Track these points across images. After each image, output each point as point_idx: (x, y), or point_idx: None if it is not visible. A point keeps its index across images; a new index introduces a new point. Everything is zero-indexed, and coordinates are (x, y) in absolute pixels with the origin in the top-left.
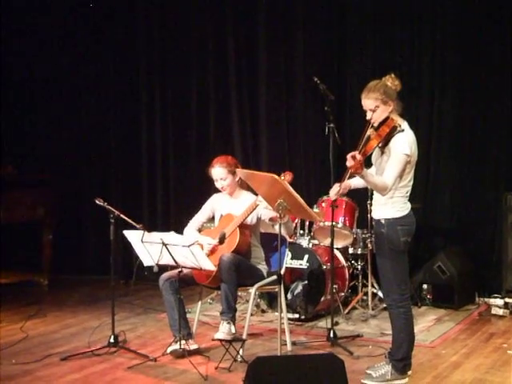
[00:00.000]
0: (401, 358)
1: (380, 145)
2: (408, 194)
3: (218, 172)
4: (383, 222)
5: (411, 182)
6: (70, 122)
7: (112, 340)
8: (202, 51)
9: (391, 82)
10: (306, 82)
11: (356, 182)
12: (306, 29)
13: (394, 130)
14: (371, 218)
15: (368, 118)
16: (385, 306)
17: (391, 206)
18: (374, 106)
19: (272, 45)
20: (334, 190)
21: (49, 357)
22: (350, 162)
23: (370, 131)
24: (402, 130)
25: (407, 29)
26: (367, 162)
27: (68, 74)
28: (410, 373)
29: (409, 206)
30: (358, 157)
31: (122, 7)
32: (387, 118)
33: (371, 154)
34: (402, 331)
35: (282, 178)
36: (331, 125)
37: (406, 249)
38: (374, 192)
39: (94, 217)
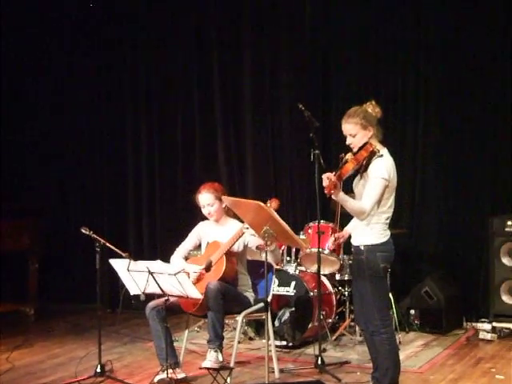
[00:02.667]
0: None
1: (361, 170)
2: (388, 221)
3: (205, 198)
4: (362, 248)
5: (391, 209)
6: (54, 152)
7: (99, 369)
8: (186, 77)
9: (372, 108)
10: (290, 108)
11: (352, 226)
12: (290, 55)
13: (372, 155)
14: None
15: (348, 142)
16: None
17: (370, 232)
18: (354, 130)
19: (257, 71)
20: (331, 241)
21: None
22: (324, 182)
23: (348, 155)
24: (381, 156)
25: (392, 55)
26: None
27: (53, 102)
28: None
29: (388, 233)
30: (333, 178)
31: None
32: (366, 143)
33: (351, 178)
34: (387, 357)
35: (268, 205)
36: (316, 151)
37: (385, 275)
38: (354, 219)
39: (79, 246)
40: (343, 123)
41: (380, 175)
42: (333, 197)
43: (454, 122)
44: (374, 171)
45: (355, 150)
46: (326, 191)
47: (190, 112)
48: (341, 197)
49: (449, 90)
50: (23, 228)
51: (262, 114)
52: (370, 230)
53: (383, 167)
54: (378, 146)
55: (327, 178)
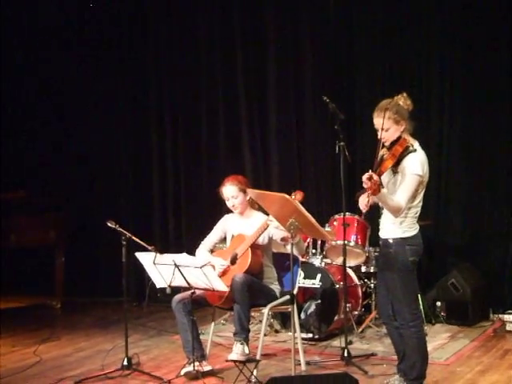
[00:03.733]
0: (415, 377)
1: (392, 165)
2: (417, 215)
3: (230, 190)
4: (391, 241)
5: (421, 203)
6: (80, 145)
7: (126, 363)
8: (210, 70)
9: (403, 101)
10: (315, 100)
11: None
12: (315, 48)
13: (406, 150)
14: None
15: (380, 137)
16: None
17: (399, 225)
18: (387, 125)
19: (282, 64)
20: (363, 202)
21: (62, 380)
22: (366, 184)
23: (382, 151)
24: (415, 150)
25: (417, 46)
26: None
27: (78, 96)
28: None
29: (417, 226)
30: (375, 177)
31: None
32: (399, 138)
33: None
34: (415, 351)
35: (293, 197)
36: (341, 143)
37: (414, 268)
38: (383, 211)
39: (106, 239)
40: (375, 117)
41: (415, 171)
42: (375, 196)
43: (480, 113)
44: (409, 167)
45: (387, 144)
46: (369, 192)
47: (215, 105)
48: (382, 194)
49: (475, 79)
50: (49, 222)
51: (286, 106)
52: (399, 223)
53: (418, 162)
54: (411, 140)
55: (368, 179)
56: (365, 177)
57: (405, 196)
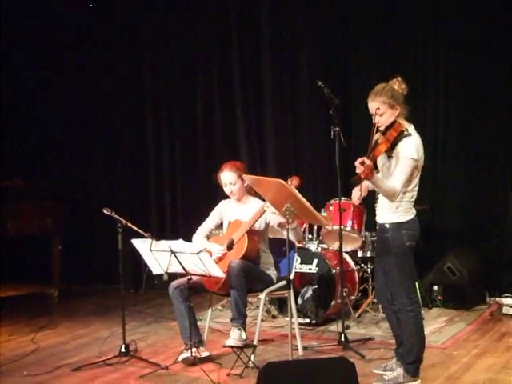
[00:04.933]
0: (412, 360)
1: (386, 149)
2: (413, 200)
3: (228, 176)
4: (388, 226)
5: (417, 187)
6: (78, 136)
7: (123, 349)
8: (206, 53)
9: (398, 85)
10: (310, 85)
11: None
12: (309, 33)
13: (401, 134)
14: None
15: (375, 121)
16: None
17: (395, 210)
18: (381, 109)
19: (276, 48)
20: (356, 195)
21: (60, 368)
22: (359, 169)
23: (377, 135)
24: (410, 134)
25: (411, 31)
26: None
27: (75, 87)
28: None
29: (414, 211)
30: (368, 162)
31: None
32: (394, 122)
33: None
34: (412, 335)
35: (289, 182)
36: (337, 128)
37: (411, 253)
38: (379, 196)
39: (102, 226)
40: (370, 101)
41: (410, 155)
42: (368, 180)
43: (475, 97)
44: (404, 151)
45: (382, 128)
46: (362, 176)
47: (210, 90)
48: (376, 178)
49: (470, 67)
50: (46, 210)
51: (281, 91)
52: (395, 207)
53: (413, 147)
54: (406, 125)
55: (361, 164)
56: (357, 162)
57: (400, 180)
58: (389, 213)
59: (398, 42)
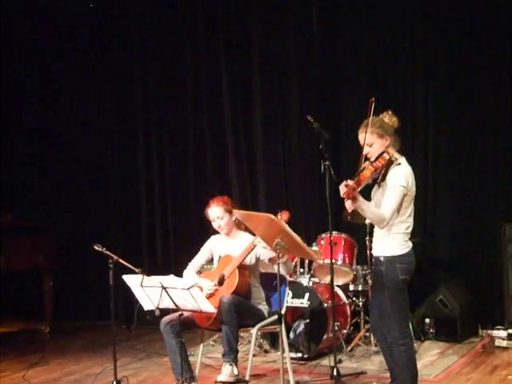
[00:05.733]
0: None
1: (378, 180)
2: (408, 231)
3: (215, 211)
4: (382, 259)
5: (411, 218)
6: (68, 170)
7: None
8: (196, 91)
9: (388, 118)
10: (300, 120)
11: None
12: (300, 69)
13: (390, 164)
14: (371, 254)
15: (364, 152)
16: None
17: (391, 243)
18: (371, 140)
19: (267, 83)
20: (349, 203)
21: None
22: (342, 190)
23: (365, 164)
24: (399, 164)
25: (401, 64)
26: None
27: (65, 121)
28: None
29: (410, 244)
30: (351, 183)
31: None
32: (383, 152)
33: (370, 187)
34: (404, 370)
35: (279, 217)
36: (327, 162)
37: (405, 287)
38: (375, 229)
39: (93, 262)
40: (359, 133)
41: (398, 183)
42: (351, 204)
43: (465, 127)
44: (393, 179)
45: (372, 159)
46: (344, 196)
47: (200, 125)
48: (360, 202)
49: (459, 94)
50: (37, 246)
51: (272, 126)
52: (390, 240)
53: (401, 175)
54: (396, 155)
55: (345, 185)
56: (342, 184)
57: (389, 207)
58: (384, 246)
59: (387, 77)
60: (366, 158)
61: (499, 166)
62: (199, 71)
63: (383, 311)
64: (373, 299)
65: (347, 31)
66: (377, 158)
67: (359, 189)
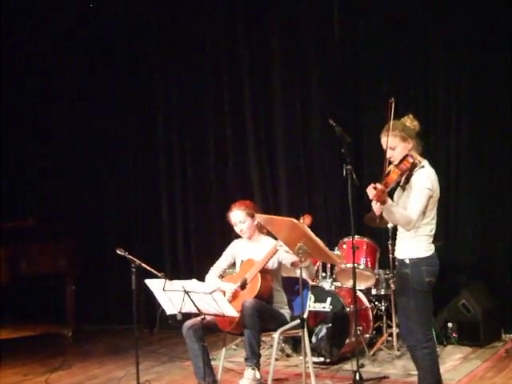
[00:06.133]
0: None
1: (402, 183)
2: (432, 233)
3: (237, 215)
4: (408, 262)
5: (434, 221)
6: (90, 175)
7: None
8: (217, 96)
9: (410, 122)
10: (322, 124)
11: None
12: (321, 72)
13: (414, 167)
14: (393, 258)
15: (388, 156)
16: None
17: (416, 245)
18: (394, 143)
19: (287, 87)
20: (376, 206)
21: None
22: (371, 193)
23: (390, 167)
24: (423, 167)
25: (422, 67)
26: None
27: (86, 124)
28: None
29: (433, 247)
30: (380, 186)
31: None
32: (407, 155)
33: (393, 190)
34: (428, 373)
35: (301, 221)
36: (349, 166)
37: (430, 289)
38: (398, 232)
39: (116, 267)
40: (382, 137)
41: (424, 185)
42: (379, 207)
43: (487, 130)
44: (418, 182)
45: (396, 163)
46: (374, 199)
47: (222, 129)
48: (389, 205)
49: (480, 101)
50: (59, 250)
51: (293, 131)
52: (416, 242)
53: (427, 178)
54: (419, 158)
55: (373, 188)
56: (369, 187)
57: (415, 209)
58: (409, 248)
59: (408, 81)
60: (390, 162)
61: None
62: (220, 72)
63: (407, 314)
64: (399, 305)
65: (368, 32)
66: (401, 161)
67: (387, 191)
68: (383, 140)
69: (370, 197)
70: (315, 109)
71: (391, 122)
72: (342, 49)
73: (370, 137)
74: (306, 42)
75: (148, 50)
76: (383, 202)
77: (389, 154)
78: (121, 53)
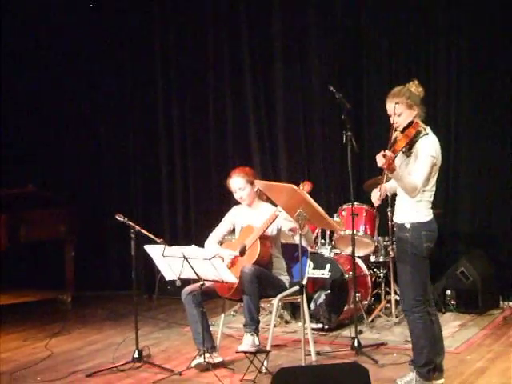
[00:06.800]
0: (423, 363)
1: (404, 149)
2: (431, 200)
3: (236, 182)
4: (408, 226)
5: (434, 187)
6: (89, 139)
7: (136, 355)
8: (218, 64)
9: (415, 88)
10: (322, 91)
11: (389, 186)
12: (321, 39)
13: (418, 134)
14: (392, 225)
15: (393, 122)
16: None
17: (416, 210)
18: (399, 110)
19: (288, 55)
20: (375, 196)
21: (74, 374)
22: (380, 161)
23: (395, 134)
24: (427, 134)
25: (423, 38)
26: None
27: (86, 92)
28: (442, 381)
29: (432, 211)
30: (389, 153)
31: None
32: (412, 122)
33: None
34: (421, 337)
35: (301, 187)
36: (349, 133)
37: (428, 255)
38: (398, 197)
39: (115, 233)
40: (388, 103)
41: (429, 153)
42: (390, 172)
43: (487, 100)
44: (423, 149)
45: (400, 129)
46: (385, 167)
47: (222, 98)
48: (397, 172)
49: (480, 71)
50: (59, 217)
51: (293, 97)
52: (416, 207)
53: (431, 145)
54: (423, 125)
55: (383, 156)
56: (379, 155)
57: (420, 176)
58: (409, 213)
59: (409, 49)
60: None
61: None
62: (221, 43)
63: (401, 278)
64: (397, 269)
65: (371, 2)
66: (405, 128)
67: (395, 158)
68: (388, 106)
69: (380, 164)
70: (315, 76)
71: (397, 88)
72: (344, 16)
73: (370, 104)
74: (307, 8)
75: (149, 28)
76: (392, 170)
77: (394, 120)
78: (121, 27)
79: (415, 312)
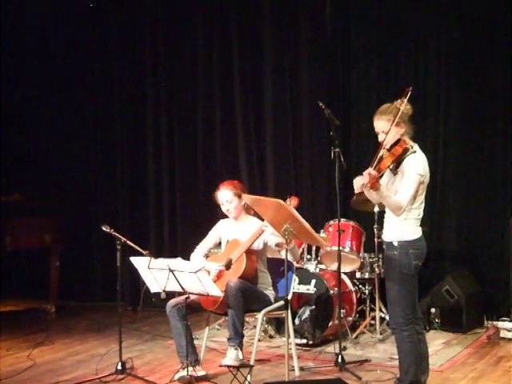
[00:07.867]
0: (409, 382)
1: (391, 166)
2: (420, 217)
3: (224, 194)
4: (396, 244)
5: (423, 205)
6: (76, 150)
7: (119, 367)
8: (206, 76)
9: (403, 105)
10: (311, 107)
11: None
12: (311, 54)
13: (406, 151)
14: (379, 241)
15: (380, 140)
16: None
17: (404, 228)
18: (387, 127)
19: (277, 69)
20: (359, 182)
21: None
22: (365, 178)
23: (382, 152)
24: (414, 152)
25: (412, 54)
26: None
27: (75, 99)
28: None
29: (420, 230)
30: (373, 172)
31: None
32: (399, 140)
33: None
34: (408, 355)
35: (288, 202)
36: (337, 149)
37: (416, 273)
38: (386, 214)
39: (101, 243)
40: (375, 120)
41: (416, 171)
42: (371, 193)
43: (476, 118)
44: (410, 167)
45: (387, 147)
46: (368, 186)
47: (211, 111)
48: (382, 191)
49: (471, 81)
50: (45, 226)
51: (282, 112)
52: (404, 225)
53: (418, 163)
54: (411, 143)
55: (368, 174)
56: (365, 172)
57: (406, 194)
58: (397, 231)
59: (399, 65)
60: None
61: (508, 159)
62: (210, 55)
63: (390, 296)
64: (386, 287)
65: (359, 17)
66: (393, 146)
67: (380, 176)
68: (376, 124)
69: (364, 182)
70: (305, 91)
71: (385, 105)
72: (334, 31)
73: (358, 120)
74: (297, 25)
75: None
76: (377, 188)
77: (381, 137)
78: (111, 19)
79: (404, 330)
